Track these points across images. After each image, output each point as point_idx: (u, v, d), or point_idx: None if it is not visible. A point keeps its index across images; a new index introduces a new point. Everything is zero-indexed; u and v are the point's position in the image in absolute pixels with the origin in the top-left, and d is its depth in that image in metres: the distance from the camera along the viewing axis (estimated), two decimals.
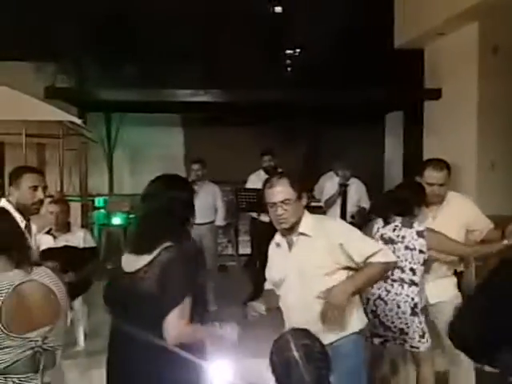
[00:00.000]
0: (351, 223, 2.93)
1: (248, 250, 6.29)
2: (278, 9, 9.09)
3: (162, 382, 2.00)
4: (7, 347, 1.72)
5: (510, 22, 5.98)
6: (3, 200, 2.92)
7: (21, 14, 7.28)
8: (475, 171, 6.21)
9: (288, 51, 9.39)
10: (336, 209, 5.33)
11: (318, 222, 2.38)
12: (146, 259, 2.01)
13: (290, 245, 2.38)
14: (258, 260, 5.51)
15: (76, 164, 7.22)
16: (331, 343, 2.25)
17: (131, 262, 2.05)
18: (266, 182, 2.36)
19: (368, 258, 2.27)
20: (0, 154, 7.83)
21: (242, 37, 8.26)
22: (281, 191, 2.28)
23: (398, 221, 3.03)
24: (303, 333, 1.77)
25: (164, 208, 2.03)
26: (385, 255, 2.31)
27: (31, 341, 1.76)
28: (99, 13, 7.68)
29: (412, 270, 2.96)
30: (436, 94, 7.09)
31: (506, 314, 1.35)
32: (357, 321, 2.38)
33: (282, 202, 2.27)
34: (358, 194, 5.48)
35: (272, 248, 2.52)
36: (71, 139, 6.83)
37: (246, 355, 3.89)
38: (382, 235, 3.04)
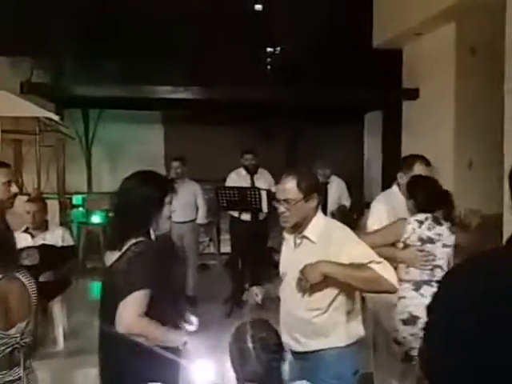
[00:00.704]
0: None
1: (229, 249, 6.28)
2: (259, 7, 9.09)
3: (138, 379, 1.98)
4: None
5: (487, 23, 6.09)
6: None
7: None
8: (452, 170, 6.32)
9: (268, 49, 9.39)
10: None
11: (327, 228, 2.28)
12: (116, 255, 2.07)
13: (295, 244, 2.36)
14: (240, 259, 5.51)
15: (53, 161, 7.09)
16: (316, 351, 2.27)
17: (108, 258, 2.14)
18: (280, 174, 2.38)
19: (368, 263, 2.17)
20: None
21: (223, 35, 8.22)
22: (286, 189, 2.25)
23: (430, 219, 2.89)
24: (262, 324, 1.77)
25: (133, 205, 2.07)
26: (386, 270, 2.16)
27: (12, 337, 1.80)
28: (78, 6, 7.54)
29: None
30: (414, 94, 7.18)
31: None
32: (343, 335, 2.29)
33: (285, 200, 2.25)
34: (338, 192, 5.54)
35: (284, 241, 2.50)
36: (48, 135, 6.70)
37: (227, 355, 3.89)
38: (419, 236, 2.87)
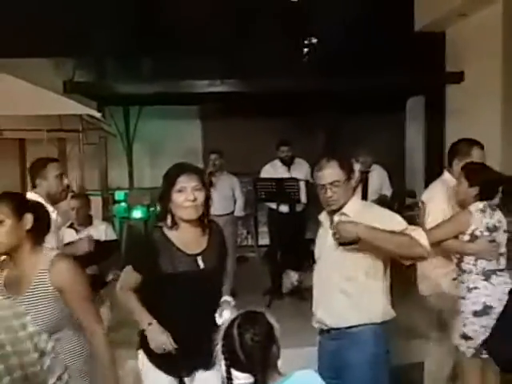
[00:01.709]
0: None
1: (267, 241, 6.27)
2: None
3: None
4: None
5: None
6: (31, 193, 2.94)
7: (37, 10, 7.33)
8: (500, 156, 6.04)
9: (305, 40, 9.26)
10: (357, 196, 5.26)
11: (364, 206, 2.45)
12: None
13: (332, 223, 2.40)
14: (278, 251, 5.48)
15: (96, 158, 7.28)
16: (350, 327, 2.31)
17: None
18: (315, 164, 2.42)
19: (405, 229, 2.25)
20: (21, 150, 7.94)
21: (259, 27, 8.16)
22: (330, 173, 2.32)
23: (488, 206, 2.86)
24: (254, 315, 1.75)
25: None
26: (421, 236, 2.21)
27: None
28: (116, 6, 7.68)
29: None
30: (458, 78, 6.91)
31: None
32: (380, 312, 2.34)
33: (331, 183, 2.31)
34: (379, 181, 5.41)
35: (320, 225, 2.57)
36: (91, 133, 6.88)
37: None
38: (486, 225, 2.83)
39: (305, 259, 5.35)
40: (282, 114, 8.12)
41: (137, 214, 6.93)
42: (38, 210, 2.10)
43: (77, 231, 4.47)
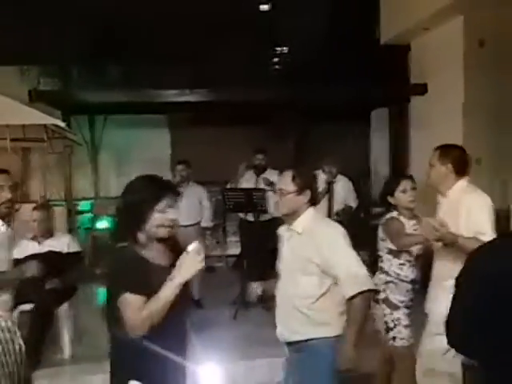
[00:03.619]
0: (337, 221, 2.90)
1: (236, 251, 6.25)
2: (265, 7, 9.05)
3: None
4: None
5: (496, 15, 5.98)
6: None
7: (4, 17, 7.19)
8: None
9: (274, 49, 9.35)
10: (322, 207, 5.29)
11: (316, 223, 2.44)
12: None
13: (288, 238, 2.52)
14: (246, 260, 5.47)
15: (60, 168, 7.13)
16: (307, 340, 2.39)
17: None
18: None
19: (343, 281, 2.30)
20: None
21: (228, 36, 8.20)
22: (281, 180, 2.49)
23: None
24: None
25: (122, 209, 2.09)
26: (359, 285, 2.29)
27: None
28: (82, 14, 7.60)
29: None
30: (422, 89, 7.08)
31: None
32: (336, 326, 2.40)
33: (279, 189, 2.48)
34: (344, 192, 5.46)
35: (280, 238, 2.66)
36: (56, 142, 6.74)
37: (234, 357, 3.86)
38: None
39: (271, 269, 5.37)
40: (251, 123, 8.16)
41: (102, 224, 6.81)
42: None
43: (39, 243, 4.35)
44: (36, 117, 5.91)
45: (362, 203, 5.90)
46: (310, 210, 2.46)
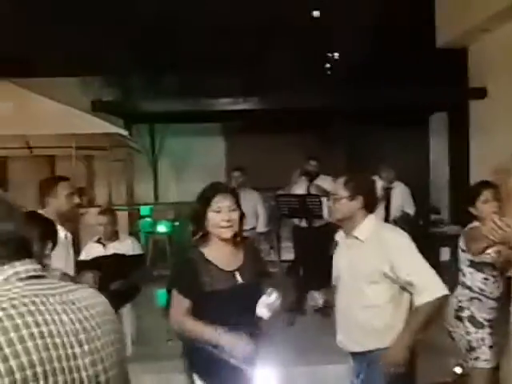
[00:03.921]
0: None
1: (290, 256, 6.27)
2: (316, 13, 9.07)
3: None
4: None
5: None
6: (41, 212, 2.86)
7: (65, 30, 7.58)
8: None
9: (327, 55, 9.33)
10: (379, 213, 5.25)
11: (378, 229, 2.37)
12: None
13: (347, 246, 2.45)
14: (302, 267, 5.49)
15: (123, 174, 7.44)
16: (369, 351, 2.32)
17: None
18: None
19: (413, 286, 2.22)
20: (51, 167, 8.18)
21: (280, 43, 8.28)
22: (335, 187, 2.46)
23: None
24: None
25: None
26: (434, 292, 2.21)
27: None
28: (141, 25, 7.90)
29: None
30: (481, 93, 6.88)
31: None
32: (389, 338, 2.30)
33: (333, 195, 2.45)
34: (401, 198, 5.38)
35: (337, 245, 2.62)
36: (118, 150, 7.05)
37: (292, 363, 3.89)
38: None
39: (328, 275, 5.36)
40: (304, 129, 8.18)
41: (161, 228, 7.05)
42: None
43: (104, 246, 4.57)
44: (100, 126, 6.22)
45: (421, 210, 5.78)
46: (371, 218, 2.39)
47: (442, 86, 7.28)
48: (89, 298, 1.06)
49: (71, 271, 3.02)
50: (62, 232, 2.87)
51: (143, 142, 8.33)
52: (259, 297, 2.24)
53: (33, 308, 0.93)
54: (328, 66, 9.59)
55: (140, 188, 8.10)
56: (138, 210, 7.61)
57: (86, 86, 7.96)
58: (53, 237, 2.24)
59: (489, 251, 2.73)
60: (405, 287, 2.27)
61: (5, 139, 6.37)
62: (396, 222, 5.13)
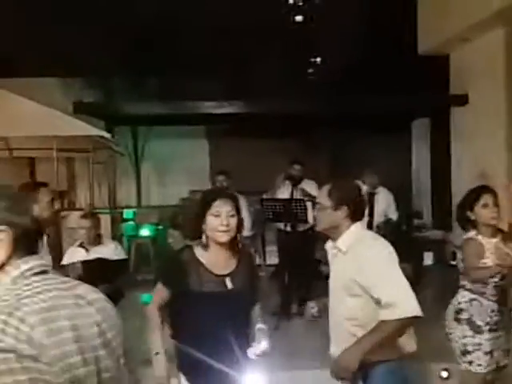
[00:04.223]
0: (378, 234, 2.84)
1: (275, 260, 6.28)
2: (299, 18, 9.11)
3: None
4: None
5: None
6: None
7: (46, 30, 7.48)
8: (505, 176, 6.09)
9: (310, 60, 9.39)
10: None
11: (361, 241, 2.25)
12: None
13: (332, 256, 2.39)
14: (286, 270, 5.50)
15: (105, 177, 7.35)
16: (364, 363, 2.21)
17: None
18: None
19: (383, 305, 2.09)
20: (31, 169, 8.04)
21: (264, 48, 8.31)
22: (319, 195, 2.40)
23: None
24: None
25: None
26: (404, 311, 2.06)
27: None
28: (123, 28, 7.84)
29: None
30: (462, 100, 7.02)
31: None
32: (386, 350, 2.20)
33: (317, 203, 2.39)
34: (385, 204, 5.43)
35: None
36: (99, 153, 6.96)
37: (278, 368, 3.88)
38: None
39: (313, 279, 5.36)
40: (288, 134, 8.21)
41: (145, 232, 6.98)
42: None
43: (87, 250, 4.50)
44: (82, 128, 6.13)
45: (404, 215, 5.84)
46: (355, 227, 2.29)
47: (423, 92, 7.40)
48: (91, 292, 1.12)
49: None
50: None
51: (126, 144, 8.25)
52: (247, 304, 2.28)
53: (57, 302, 0.99)
54: (311, 71, 9.65)
55: (122, 191, 8.01)
56: (121, 213, 7.53)
57: (68, 87, 7.86)
58: (42, 234, 2.19)
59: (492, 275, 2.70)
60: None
61: None
62: (379, 228, 5.17)
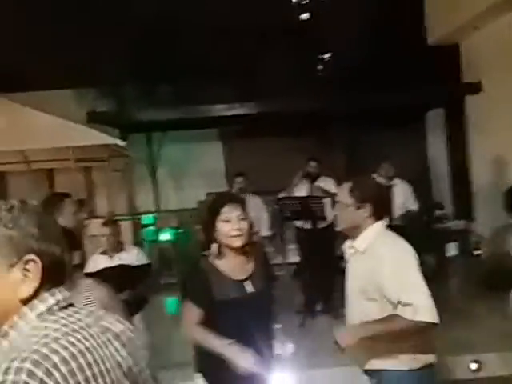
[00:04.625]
0: (395, 226, 2.76)
1: (296, 258, 6.27)
2: (305, 15, 9.08)
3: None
4: None
5: None
6: None
7: (57, 42, 7.57)
8: None
9: (319, 57, 9.35)
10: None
11: (380, 241, 2.15)
12: None
13: (350, 256, 2.30)
14: (308, 268, 5.49)
15: (122, 184, 7.42)
16: (376, 370, 2.18)
17: None
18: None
19: (399, 304, 2.02)
20: (50, 180, 8.15)
21: (272, 47, 8.30)
22: (340, 193, 2.31)
23: None
24: None
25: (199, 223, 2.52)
26: (418, 313, 1.97)
27: None
28: (133, 34, 7.90)
29: None
30: (476, 88, 6.93)
31: None
32: (405, 358, 2.12)
33: (338, 202, 2.31)
34: (403, 196, 5.38)
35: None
36: (116, 161, 7.03)
37: (302, 367, 3.88)
38: None
39: (335, 275, 5.34)
40: (301, 132, 8.19)
41: (165, 236, 7.03)
42: None
43: (110, 257, 4.55)
44: (97, 137, 6.21)
45: (424, 207, 5.79)
46: (376, 226, 2.19)
47: (436, 83, 7.32)
48: (116, 323, 1.06)
49: None
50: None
51: (141, 151, 8.32)
52: (268, 305, 2.28)
53: (87, 344, 0.93)
54: (321, 68, 9.61)
55: (140, 197, 8.08)
56: (140, 219, 7.59)
57: (81, 97, 7.93)
58: (79, 246, 2.20)
59: None
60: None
61: (2, 155, 6.34)
62: (400, 220, 5.13)
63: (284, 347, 2.21)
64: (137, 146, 8.01)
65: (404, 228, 5.15)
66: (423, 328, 2.01)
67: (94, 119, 7.05)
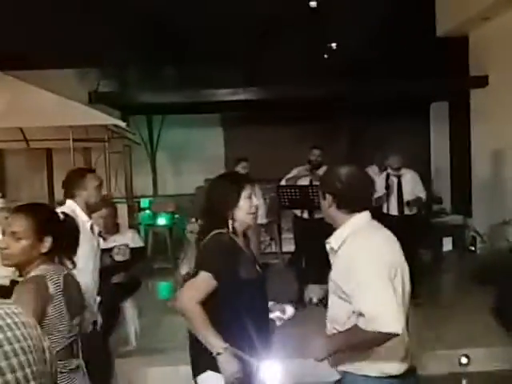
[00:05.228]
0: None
1: (291, 248, 6.25)
2: (313, 3, 8.96)
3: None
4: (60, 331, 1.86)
5: None
6: (70, 201, 2.93)
7: (61, 22, 7.50)
8: None
9: (327, 45, 9.26)
10: (392, 202, 5.28)
11: (353, 236, 1.93)
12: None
13: (329, 252, 2.10)
14: (303, 257, 5.47)
15: (121, 166, 7.38)
16: (347, 372, 2.01)
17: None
18: None
19: (361, 315, 1.83)
20: (48, 160, 8.12)
21: (279, 34, 8.21)
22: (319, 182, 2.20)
23: None
24: None
25: (212, 201, 2.33)
26: (382, 324, 1.77)
27: (72, 327, 1.92)
28: (138, 17, 7.82)
29: None
30: (482, 82, 6.84)
31: None
32: (370, 364, 1.95)
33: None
34: (411, 184, 5.39)
35: None
36: (115, 142, 6.98)
37: (291, 355, 3.87)
38: None
39: (329, 266, 5.34)
40: (304, 120, 8.12)
41: (161, 221, 7.01)
42: (62, 229, 1.99)
43: (104, 239, 4.53)
44: (98, 118, 6.15)
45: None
46: (352, 221, 1.95)
47: (443, 75, 7.24)
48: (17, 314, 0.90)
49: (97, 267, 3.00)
50: (87, 223, 2.90)
51: (141, 133, 8.27)
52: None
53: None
54: (328, 56, 9.52)
55: (138, 180, 8.04)
56: (138, 202, 7.56)
57: (83, 77, 7.87)
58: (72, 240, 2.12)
59: None
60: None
61: (1, 132, 6.30)
62: (409, 205, 5.21)
63: (284, 311, 2.25)
64: (137, 129, 7.96)
65: (413, 215, 5.28)
66: (387, 338, 1.80)
67: (95, 99, 6.99)
